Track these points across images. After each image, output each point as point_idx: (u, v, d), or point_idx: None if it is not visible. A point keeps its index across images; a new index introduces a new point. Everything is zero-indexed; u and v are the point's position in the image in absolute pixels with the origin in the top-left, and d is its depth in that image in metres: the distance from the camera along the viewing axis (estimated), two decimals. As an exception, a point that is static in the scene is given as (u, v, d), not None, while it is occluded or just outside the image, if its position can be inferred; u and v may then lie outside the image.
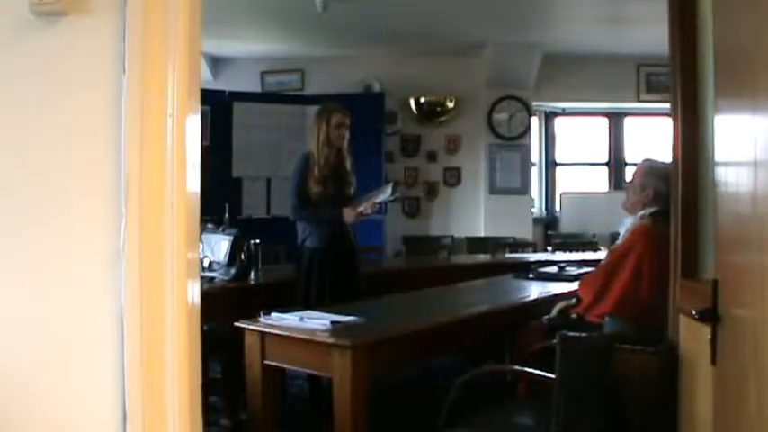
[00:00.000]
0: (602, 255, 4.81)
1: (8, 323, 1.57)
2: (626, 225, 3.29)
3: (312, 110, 4.39)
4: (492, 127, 7.40)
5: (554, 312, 3.40)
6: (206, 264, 4.05)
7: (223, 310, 3.59)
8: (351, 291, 3.94)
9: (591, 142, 8.33)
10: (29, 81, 1.58)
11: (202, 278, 3.22)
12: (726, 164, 1.85)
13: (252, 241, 4.15)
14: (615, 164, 8.20)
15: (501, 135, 7.40)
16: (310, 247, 4.01)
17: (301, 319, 2.94)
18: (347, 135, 4.07)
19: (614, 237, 5.17)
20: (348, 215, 4.01)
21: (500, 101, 7.36)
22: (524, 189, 7.47)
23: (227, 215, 4.31)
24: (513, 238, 6.97)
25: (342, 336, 2.73)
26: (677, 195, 2.40)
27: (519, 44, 6.78)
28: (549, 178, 8.22)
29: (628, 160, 8.08)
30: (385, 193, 4.23)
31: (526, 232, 7.34)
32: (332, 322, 2.85)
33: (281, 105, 6.82)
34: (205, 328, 1.94)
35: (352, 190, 4.14)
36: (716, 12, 1.97)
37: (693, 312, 1.90)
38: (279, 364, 3.02)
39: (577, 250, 6.36)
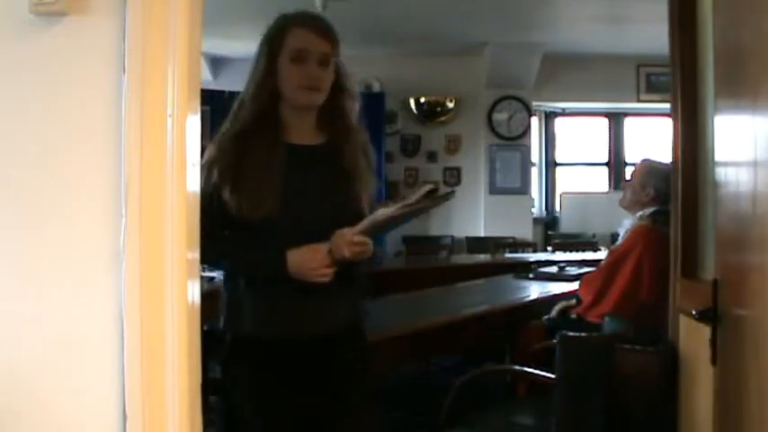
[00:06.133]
0: (602, 255, 4.81)
1: (7, 323, 1.57)
2: (626, 225, 3.29)
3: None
4: (492, 127, 7.40)
5: (554, 312, 3.39)
6: (206, 264, 4.04)
7: (223, 310, 3.59)
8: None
9: (591, 142, 8.33)
10: (28, 81, 1.58)
11: (202, 278, 3.21)
12: (726, 164, 1.84)
13: (252, 241, 4.14)
14: (615, 164, 8.20)
15: (501, 135, 7.40)
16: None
17: (301, 319, 2.93)
18: None
19: (614, 237, 5.18)
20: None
21: (500, 101, 7.36)
22: (524, 189, 7.48)
23: (227, 215, 4.30)
24: (513, 238, 6.97)
25: (342, 336, 2.72)
26: (677, 195, 2.40)
27: (519, 44, 6.78)
28: (549, 178, 8.22)
29: (628, 160, 8.08)
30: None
31: (526, 232, 7.34)
32: (332, 322, 2.84)
33: (281, 105, 6.80)
34: (205, 327, 1.94)
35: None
36: (716, 12, 1.96)
37: (693, 312, 1.90)
38: (279, 364, 3.01)
39: (577, 250, 6.35)
